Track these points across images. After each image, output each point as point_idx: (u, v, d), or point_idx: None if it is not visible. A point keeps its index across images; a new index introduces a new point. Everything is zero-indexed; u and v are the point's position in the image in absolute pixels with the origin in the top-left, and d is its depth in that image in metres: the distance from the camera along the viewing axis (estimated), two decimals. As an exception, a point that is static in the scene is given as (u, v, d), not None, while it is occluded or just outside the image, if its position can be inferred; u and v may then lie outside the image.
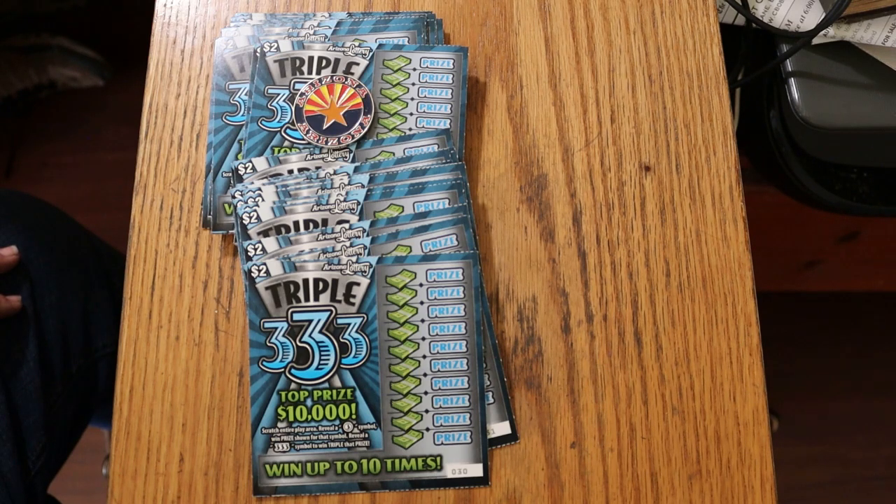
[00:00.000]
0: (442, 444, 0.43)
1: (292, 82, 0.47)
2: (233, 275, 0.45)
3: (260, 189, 0.44)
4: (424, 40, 0.48)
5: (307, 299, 0.43)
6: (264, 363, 0.43)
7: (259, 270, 0.43)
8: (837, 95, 0.56)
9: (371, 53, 0.47)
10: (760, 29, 0.56)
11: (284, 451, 0.42)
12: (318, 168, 0.45)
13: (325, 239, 0.44)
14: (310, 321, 0.43)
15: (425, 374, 0.43)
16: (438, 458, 0.42)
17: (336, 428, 0.43)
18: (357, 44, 0.47)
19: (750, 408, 0.43)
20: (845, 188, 0.64)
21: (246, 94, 0.47)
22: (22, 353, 0.61)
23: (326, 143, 0.46)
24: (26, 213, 0.67)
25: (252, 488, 0.42)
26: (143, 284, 0.45)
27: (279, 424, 0.42)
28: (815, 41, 0.56)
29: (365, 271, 0.43)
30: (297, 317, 0.43)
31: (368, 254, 0.44)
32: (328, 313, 0.43)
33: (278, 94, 0.47)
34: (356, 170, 0.45)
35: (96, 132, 1.32)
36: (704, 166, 0.47)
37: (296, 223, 0.44)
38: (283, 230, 0.44)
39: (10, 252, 0.62)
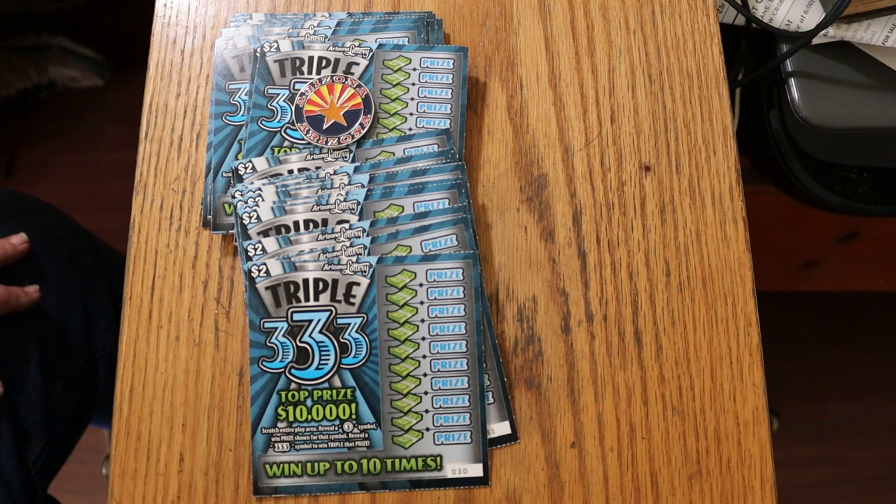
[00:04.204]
0: (442, 444, 0.43)
1: (292, 82, 0.47)
2: (233, 275, 0.45)
3: (260, 189, 0.44)
4: (424, 40, 0.48)
5: (307, 299, 0.43)
6: (264, 363, 0.43)
7: (259, 270, 0.43)
8: (837, 95, 0.56)
9: (371, 53, 0.47)
10: (760, 29, 0.56)
11: (284, 451, 0.42)
12: (318, 168, 0.45)
13: (325, 239, 0.44)
14: (310, 321, 0.43)
15: (425, 374, 0.43)
16: (438, 458, 0.42)
17: (336, 428, 0.43)
18: (357, 44, 0.47)
19: (750, 408, 0.43)
20: (845, 188, 0.64)
21: (246, 94, 0.47)
22: (22, 353, 0.61)
23: (326, 143, 0.46)
24: (26, 213, 0.66)
25: (252, 488, 0.42)
26: (143, 284, 0.45)
27: (279, 424, 0.42)
28: (815, 41, 0.56)
29: (365, 271, 0.43)
30: (297, 317, 0.43)
31: (368, 254, 0.44)
32: (328, 313, 0.43)
33: (278, 94, 0.47)
34: (356, 170, 0.45)
35: (96, 132, 1.32)
36: (704, 166, 0.47)
37: (296, 223, 0.44)
38: (283, 230, 0.44)
39: (20, 240, 0.61)
